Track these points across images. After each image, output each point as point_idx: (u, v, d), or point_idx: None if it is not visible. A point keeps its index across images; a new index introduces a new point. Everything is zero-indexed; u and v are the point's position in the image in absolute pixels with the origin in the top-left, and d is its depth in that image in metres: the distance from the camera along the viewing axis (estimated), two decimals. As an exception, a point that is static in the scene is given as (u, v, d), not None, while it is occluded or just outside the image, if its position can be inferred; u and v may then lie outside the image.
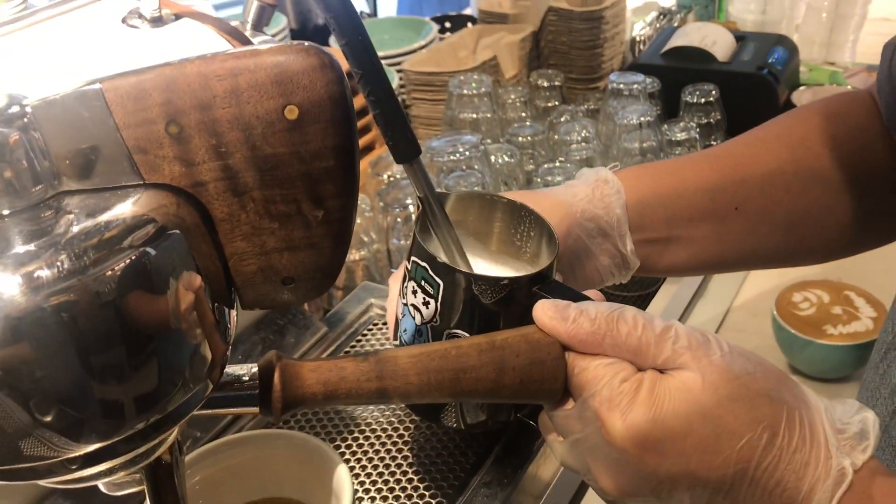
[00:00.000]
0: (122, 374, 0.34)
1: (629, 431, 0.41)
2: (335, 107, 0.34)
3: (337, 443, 0.58)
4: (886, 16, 0.55)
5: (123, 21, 0.62)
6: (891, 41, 0.62)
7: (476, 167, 0.98)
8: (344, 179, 0.36)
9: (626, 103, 1.11)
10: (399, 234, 0.92)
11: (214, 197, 0.35)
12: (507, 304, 0.49)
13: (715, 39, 1.22)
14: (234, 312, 0.40)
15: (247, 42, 0.43)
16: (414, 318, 0.52)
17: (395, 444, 0.58)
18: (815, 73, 1.35)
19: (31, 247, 0.32)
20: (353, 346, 0.69)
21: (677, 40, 1.24)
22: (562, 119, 1.15)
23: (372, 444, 0.58)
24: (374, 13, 2.21)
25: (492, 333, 0.45)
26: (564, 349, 0.45)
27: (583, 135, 1.06)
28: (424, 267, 0.50)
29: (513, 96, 1.19)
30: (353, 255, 0.96)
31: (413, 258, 0.51)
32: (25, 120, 0.33)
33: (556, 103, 1.23)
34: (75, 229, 0.33)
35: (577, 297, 0.47)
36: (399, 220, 0.92)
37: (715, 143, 1.13)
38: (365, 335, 0.70)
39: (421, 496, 0.54)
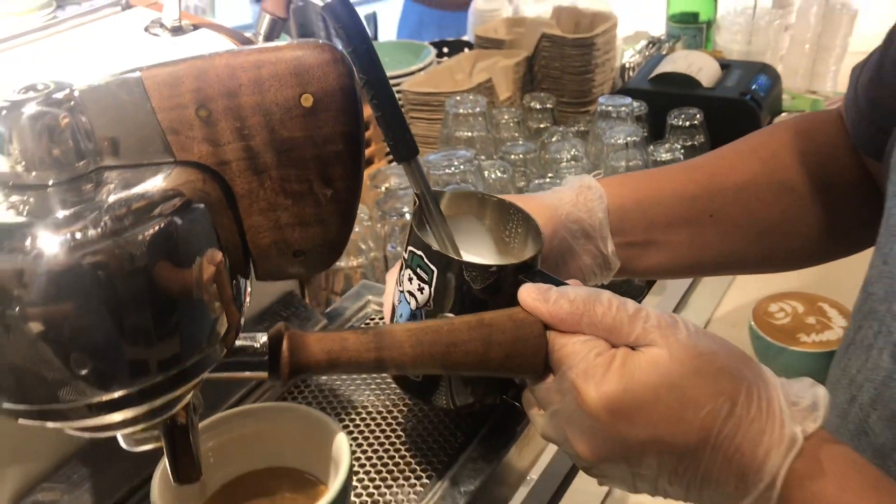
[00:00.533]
0: (146, 327, 0.38)
1: (602, 400, 0.45)
2: (345, 97, 0.39)
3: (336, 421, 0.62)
4: (867, 49, 0.59)
5: (146, 30, 0.67)
6: (857, 65, 0.67)
7: (470, 181, 1.03)
8: (351, 162, 0.41)
9: (614, 125, 1.17)
10: (396, 242, 0.97)
11: (237, 174, 0.40)
12: (495, 290, 0.53)
13: (701, 66, 1.28)
14: (248, 283, 0.45)
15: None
16: (409, 303, 0.56)
17: (389, 424, 0.62)
18: (797, 100, 1.41)
19: (72, 212, 0.37)
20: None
21: (665, 66, 1.30)
22: (553, 139, 1.20)
23: (368, 425, 0.62)
24: (375, 37, 2.28)
25: (480, 313, 0.50)
26: (546, 328, 0.49)
27: (572, 153, 1.11)
28: (420, 255, 0.55)
29: (506, 116, 1.25)
30: (352, 262, 1.01)
31: (410, 248, 0.56)
32: (73, 103, 0.38)
33: (548, 124, 1.28)
34: (112, 199, 0.38)
35: (558, 283, 0.52)
36: (396, 227, 0.97)
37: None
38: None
39: (413, 470, 0.58)
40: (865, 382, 0.56)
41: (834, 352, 0.88)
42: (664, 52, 1.39)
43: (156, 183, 0.39)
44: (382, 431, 0.62)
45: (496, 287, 0.53)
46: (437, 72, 1.35)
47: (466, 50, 1.52)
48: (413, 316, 0.56)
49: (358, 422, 0.63)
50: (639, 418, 0.45)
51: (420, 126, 1.30)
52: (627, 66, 1.43)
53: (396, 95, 1.33)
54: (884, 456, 0.53)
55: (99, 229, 0.36)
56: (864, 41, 1.52)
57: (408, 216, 0.95)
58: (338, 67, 0.38)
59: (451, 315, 0.54)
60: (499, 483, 0.58)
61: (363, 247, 1.02)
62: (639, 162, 1.06)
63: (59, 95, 0.38)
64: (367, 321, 0.76)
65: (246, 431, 0.55)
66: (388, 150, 1.20)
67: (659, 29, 1.58)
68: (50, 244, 0.36)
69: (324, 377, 0.67)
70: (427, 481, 0.57)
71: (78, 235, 0.36)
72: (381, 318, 0.76)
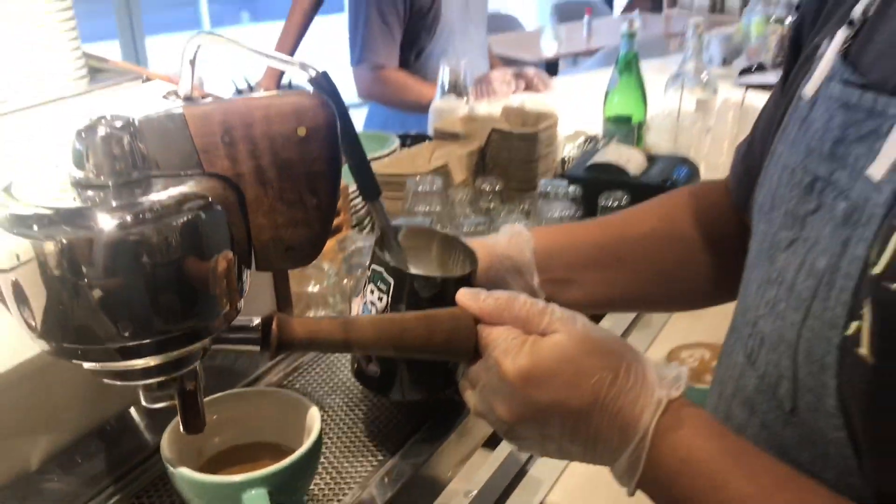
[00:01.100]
0: (171, 292, 0.52)
1: (517, 371, 0.60)
2: (329, 131, 0.55)
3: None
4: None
5: (163, 97, 0.83)
6: (740, 143, 0.85)
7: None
8: (331, 179, 0.56)
9: (553, 204, 1.34)
10: (359, 293, 1.12)
11: (248, 184, 0.55)
12: (439, 298, 0.68)
13: (629, 158, 1.47)
14: (248, 273, 0.59)
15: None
16: (371, 310, 0.71)
17: (352, 414, 0.76)
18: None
19: (125, 203, 0.51)
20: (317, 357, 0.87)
21: (599, 157, 1.49)
22: (500, 216, 1.37)
23: (337, 414, 0.76)
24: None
25: (427, 310, 0.64)
26: (476, 321, 0.64)
27: (516, 226, 1.27)
28: (380, 271, 0.70)
29: (461, 196, 1.42)
30: (320, 312, 1.15)
31: (372, 266, 0.71)
32: (131, 129, 0.53)
33: (497, 204, 1.45)
34: (154, 197, 0.52)
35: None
36: (360, 281, 1.11)
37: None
38: (316, 360, 0.88)
39: (371, 448, 0.71)
40: (728, 379, 0.71)
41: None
42: (600, 147, 1.59)
43: (188, 188, 0.53)
44: (348, 418, 0.75)
45: (440, 296, 0.68)
46: (400, 157, 1.53)
47: (427, 141, 1.70)
48: (373, 321, 0.70)
49: (329, 412, 0.76)
50: (545, 385, 0.59)
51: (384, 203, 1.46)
52: (567, 158, 1.62)
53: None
54: (739, 431, 0.67)
55: (142, 216, 0.51)
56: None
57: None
58: (325, 110, 0.54)
59: (404, 316, 0.69)
60: (441, 459, 0.71)
61: (330, 300, 1.16)
62: (572, 233, 1.23)
63: (121, 123, 0.53)
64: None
65: (235, 412, 0.68)
66: (354, 221, 1.35)
67: (597, 128, 1.79)
68: (107, 224, 0.50)
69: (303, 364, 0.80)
70: (382, 457, 0.70)
71: (127, 219, 0.50)
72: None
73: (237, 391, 0.68)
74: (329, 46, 3.08)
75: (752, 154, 0.80)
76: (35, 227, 0.50)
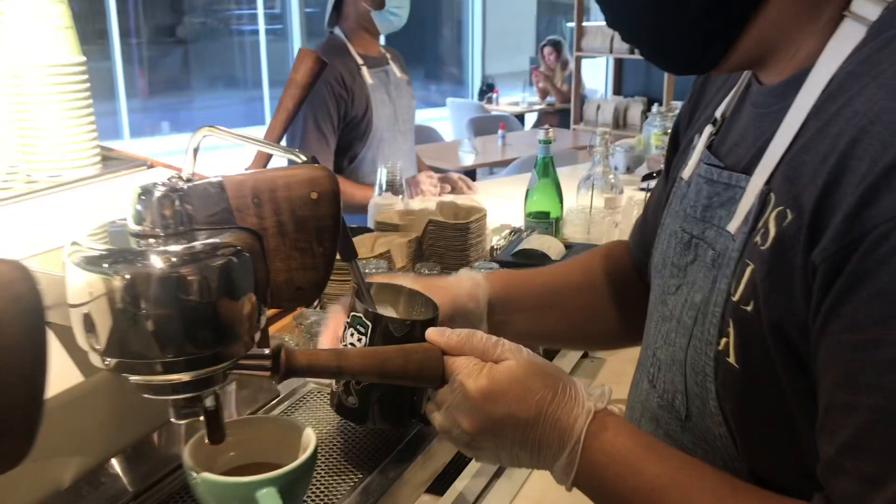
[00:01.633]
0: (206, 320, 0.66)
1: (478, 390, 0.75)
2: (334, 196, 0.71)
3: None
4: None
5: (168, 180, 0.98)
6: (637, 219, 1.05)
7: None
8: (334, 233, 0.72)
9: (485, 284, 1.52)
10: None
11: (270, 236, 0.70)
12: (409, 337, 0.83)
13: (550, 245, 1.67)
14: (265, 310, 0.73)
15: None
16: (352, 350, 0.85)
17: (336, 440, 0.89)
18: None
19: (174, 249, 0.66)
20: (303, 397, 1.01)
21: (524, 245, 1.69)
22: (439, 295, 1.53)
23: (323, 440, 0.89)
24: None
25: (403, 345, 0.79)
26: (443, 353, 0.79)
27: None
28: (360, 316, 0.85)
29: (402, 279, 1.58)
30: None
31: (352, 313, 0.86)
32: (181, 192, 0.68)
33: (435, 286, 1.62)
34: (198, 245, 0.67)
35: (449, 330, 0.82)
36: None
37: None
38: (304, 398, 1.01)
39: (351, 467, 0.84)
40: (636, 404, 0.88)
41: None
42: (524, 237, 1.79)
43: (224, 238, 0.68)
44: (331, 445, 0.88)
45: (409, 335, 0.83)
46: (345, 246, 1.69)
47: (369, 233, 1.87)
48: (354, 359, 0.85)
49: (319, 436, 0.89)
50: (499, 401, 0.74)
51: (332, 286, 1.61)
52: (495, 246, 1.81)
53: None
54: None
55: (186, 258, 0.65)
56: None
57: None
58: (331, 180, 0.71)
59: (381, 353, 0.84)
60: (412, 475, 0.85)
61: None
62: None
63: (170, 187, 0.68)
64: (308, 392, 1.03)
65: (242, 435, 0.80)
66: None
67: (519, 223, 2.00)
68: (158, 264, 0.64)
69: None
70: (361, 476, 0.84)
71: (174, 260, 0.65)
72: (318, 391, 1.04)
73: (244, 418, 0.81)
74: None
75: (646, 225, 1.01)
76: (105, 265, 0.64)
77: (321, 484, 0.83)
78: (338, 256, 0.76)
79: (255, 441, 0.80)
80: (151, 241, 0.67)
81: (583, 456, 0.72)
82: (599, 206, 1.95)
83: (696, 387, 0.75)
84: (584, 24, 5.84)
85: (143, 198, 0.67)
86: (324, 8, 2.71)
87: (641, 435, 0.75)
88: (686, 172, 0.83)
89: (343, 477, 0.84)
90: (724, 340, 0.71)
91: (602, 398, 0.76)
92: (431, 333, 0.80)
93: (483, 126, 6.22)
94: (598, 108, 5.72)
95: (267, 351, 0.74)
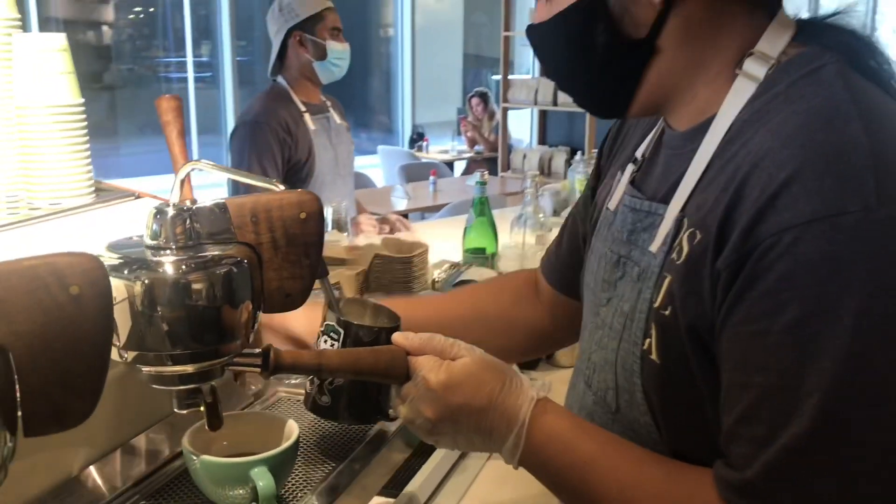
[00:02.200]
0: (209, 320, 0.78)
1: (438, 382, 0.87)
2: (320, 215, 0.84)
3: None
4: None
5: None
6: (550, 245, 1.21)
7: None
8: (318, 248, 0.84)
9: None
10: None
11: (265, 249, 0.82)
12: (376, 342, 0.96)
13: (488, 276, 1.82)
14: (259, 314, 0.85)
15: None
16: (326, 355, 0.97)
17: (310, 436, 1.00)
18: (556, 307, 1.99)
19: (184, 258, 0.78)
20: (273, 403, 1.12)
21: (463, 276, 1.83)
22: (386, 322, 1.66)
23: (306, 435, 1.00)
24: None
25: (373, 347, 0.92)
26: (407, 353, 0.92)
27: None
28: (332, 324, 0.97)
29: (352, 308, 1.71)
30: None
31: (325, 322, 0.98)
32: (190, 213, 0.81)
33: (382, 315, 1.75)
34: (203, 255, 0.79)
35: (411, 335, 0.96)
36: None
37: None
38: (274, 404, 1.13)
39: (324, 457, 0.96)
40: (574, 403, 1.02)
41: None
42: (463, 270, 1.94)
43: (225, 250, 0.81)
44: (305, 439, 1.00)
45: (376, 340, 0.96)
46: (297, 278, 1.81)
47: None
48: (328, 362, 0.97)
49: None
50: (457, 391, 0.87)
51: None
52: (437, 278, 1.96)
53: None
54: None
55: (193, 266, 0.77)
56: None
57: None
58: (318, 202, 0.84)
59: (353, 356, 0.96)
60: (375, 467, 0.97)
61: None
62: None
63: (180, 209, 0.80)
64: (278, 399, 1.15)
65: (233, 427, 0.91)
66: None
67: (458, 258, 2.15)
68: (170, 271, 0.76)
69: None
70: (333, 464, 0.96)
71: (182, 268, 0.77)
72: (287, 398, 1.15)
73: (234, 413, 0.92)
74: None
75: (561, 248, 1.17)
76: (126, 272, 0.76)
77: (298, 471, 0.94)
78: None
79: (244, 432, 0.91)
80: (165, 252, 0.79)
81: (527, 437, 0.84)
82: (531, 242, 2.12)
83: (625, 382, 0.88)
84: (510, 77, 6.13)
85: (158, 217, 0.79)
86: (254, 57, 2.85)
87: (576, 418, 0.88)
88: (612, 203, 0.98)
89: (317, 466, 0.96)
90: (647, 341, 0.84)
91: (543, 388, 0.90)
92: (397, 337, 0.92)
93: (414, 172, 6.40)
94: (525, 156, 5.97)
95: (257, 350, 0.86)
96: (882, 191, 0.68)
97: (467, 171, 7.10)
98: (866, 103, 0.74)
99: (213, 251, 0.80)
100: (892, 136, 0.72)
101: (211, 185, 3.62)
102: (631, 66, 0.84)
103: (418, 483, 0.99)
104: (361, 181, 5.99)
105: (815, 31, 0.83)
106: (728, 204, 0.74)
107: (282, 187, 0.91)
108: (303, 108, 2.72)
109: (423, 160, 7.15)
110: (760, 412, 0.71)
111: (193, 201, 0.91)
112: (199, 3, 7.63)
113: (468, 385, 0.86)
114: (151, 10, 7.99)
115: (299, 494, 0.93)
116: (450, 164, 7.42)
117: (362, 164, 7.70)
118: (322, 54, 2.68)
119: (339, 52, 2.70)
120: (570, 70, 0.90)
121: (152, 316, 0.76)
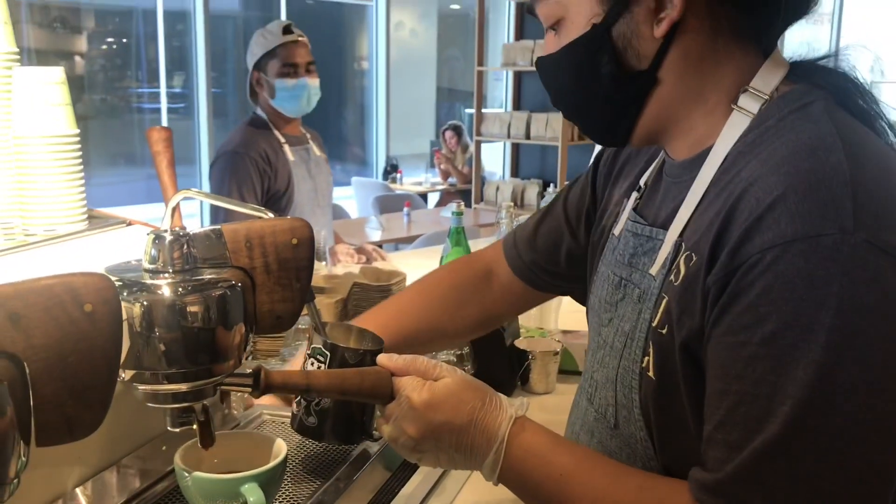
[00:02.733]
0: (203, 340, 0.82)
1: (421, 401, 0.91)
2: (310, 242, 0.88)
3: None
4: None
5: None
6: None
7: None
8: (308, 272, 0.89)
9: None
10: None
11: (258, 273, 0.86)
12: (361, 364, 1.00)
13: (464, 305, 1.87)
14: (251, 335, 0.89)
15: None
16: (312, 376, 1.01)
17: (296, 455, 1.04)
18: (531, 332, 2.03)
19: (181, 281, 0.82)
20: (258, 425, 1.15)
21: (440, 305, 1.88)
22: (365, 349, 1.70)
23: (292, 454, 1.03)
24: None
25: (359, 368, 0.96)
26: (391, 374, 0.96)
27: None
28: (319, 347, 1.01)
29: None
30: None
31: (312, 346, 1.02)
32: (188, 239, 0.85)
33: (361, 341, 1.79)
34: (198, 278, 0.83)
35: (396, 356, 1.00)
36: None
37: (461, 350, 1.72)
38: (259, 427, 1.16)
39: (311, 475, 0.99)
40: (577, 420, 1.07)
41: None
42: (439, 299, 1.99)
43: (220, 274, 0.85)
44: (292, 459, 1.03)
45: (361, 362, 1.00)
46: (277, 306, 1.84)
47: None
48: (314, 383, 1.01)
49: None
50: (439, 410, 0.91)
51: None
52: (414, 306, 2.00)
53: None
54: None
55: (190, 289, 0.81)
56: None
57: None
58: (309, 228, 0.88)
59: (338, 376, 1.00)
60: (364, 480, 1.01)
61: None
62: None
63: (177, 234, 0.84)
64: (263, 421, 1.18)
65: (223, 446, 0.94)
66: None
67: (434, 287, 2.20)
68: (167, 294, 0.80)
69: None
70: (319, 483, 0.99)
71: (179, 290, 0.81)
72: (271, 420, 1.18)
73: (224, 432, 0.96)
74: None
75: (535, 244, 1.24)
76: (126, 294, 0.79)
77: (286, 489, 0.98)
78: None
79: (234, 450, 0.94)
80: (162, 276, 0.82)
81: (506, 454, 0.89)
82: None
83: (624, 399, 0.92)
84: (483, 111, 6.22)
85: (157, 242, 0.83)
86: (228, 89, 2.90)
87: (552, 434, 0.93)
88: (617, 229, 1.03)
89: (303, 484, 0.99)
90: (646, 359, 0.88)
91: (521, 407, 0.94)
92: (382, 358, 0.97)
93: (388, 204, 6.46)
94: (498, 188, 6.06)
95: (249, 370, 0.90)
96: (859, 216, 0.72)
97: (441, 203, 7.18)
98: (850, 137, 0.80)
99: (208, 275, 0.84)
100: (872, 167, 0.78)
101: (187, 215, 3.65)
102: (633, 95, 0.90)
103: (402, 501, 1.03)
104: (336, 212, 6.03)
105: (807, 71, 0.89)
106: (719, 227, 0.79)
107: (270, 214, 0.96)
108: (282, 140, 2.77)
109: (397, 192, 7.22)
110: (736, 418, 0.76)
111: (183, 228, 0.95)
112: (173, 34, 7.68)
113: (449, 404, 0.90)
114: (125, 40, 8.02)
115: (287, 511, 0.97)
116: (423, 196, 7.50)
117: (337, 195, 7.73)
118: (272, 92, 2.73)
119: (288, 89, 2.73)
120: (575, 99, 0.95)
121: (150, 336, 0.79)
